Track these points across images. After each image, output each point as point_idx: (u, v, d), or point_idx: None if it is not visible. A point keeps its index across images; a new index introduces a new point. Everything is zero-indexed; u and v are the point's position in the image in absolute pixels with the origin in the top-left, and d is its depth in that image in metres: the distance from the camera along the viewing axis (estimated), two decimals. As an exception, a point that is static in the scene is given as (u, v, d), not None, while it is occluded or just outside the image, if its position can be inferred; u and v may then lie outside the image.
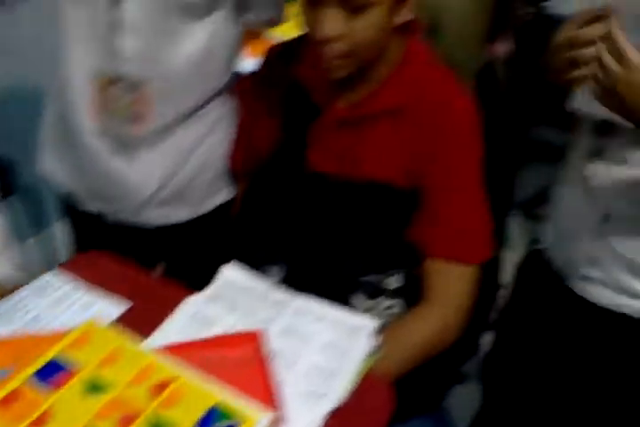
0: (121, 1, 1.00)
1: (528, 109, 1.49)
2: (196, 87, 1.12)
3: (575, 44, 0.85)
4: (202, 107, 1.15)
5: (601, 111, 0.91)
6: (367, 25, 0.86)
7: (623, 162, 0.95)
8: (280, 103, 1.03)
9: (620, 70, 0.80)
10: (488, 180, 1.45)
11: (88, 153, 1.13)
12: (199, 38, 1.07)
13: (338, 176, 0.98)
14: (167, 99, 1.09)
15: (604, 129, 0.95)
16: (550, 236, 1.15)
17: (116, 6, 1.00)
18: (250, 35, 1.67)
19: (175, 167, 1.16)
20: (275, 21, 1.24)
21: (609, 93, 0.83)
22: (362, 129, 0.97)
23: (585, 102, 0.93)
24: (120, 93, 1.06)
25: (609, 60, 0.81)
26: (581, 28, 0.85)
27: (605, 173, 0.97)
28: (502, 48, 2.75)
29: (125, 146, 1.12)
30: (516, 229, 1.88)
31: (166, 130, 1.12)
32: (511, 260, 1.29)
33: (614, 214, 0.97)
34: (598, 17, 0.84)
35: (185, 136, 1.15)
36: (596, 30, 0.84)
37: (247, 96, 1.12)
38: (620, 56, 0.80)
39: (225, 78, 1.17)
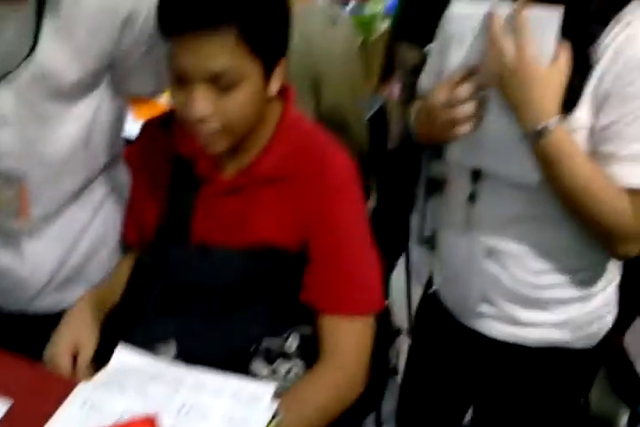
0: None
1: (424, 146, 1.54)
2: (81, 168, 1.10)
3: (452, 104, 0.90)
4: (87, 186, 1.13)
5: (473, 161, 0.98)
6: (239, 102, 0.86)
7: (496, 204, 1.01)
8: (165, 176, 1.03)
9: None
10: (381, 222, 1.49)
11: None
12: (80, 119, 1.06)
13: (226, 245, 0.99)
14: (50, 187, 1.07)
15: (476, 176, 1.01)
16: (439, 276, 1.19)
17: None
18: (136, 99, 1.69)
19: (65, 255, 1.14)
20: (157, 91, 1.23)
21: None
22: (248, 195, 0.98)
23: (460, 155, 0.99)
24: None
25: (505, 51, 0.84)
26: (454, 88, 0.90)
27: (482, 213, 1.03)
28: (395, 89, 2.91)
29: (11, 240, 1.08)
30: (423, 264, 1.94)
31: (51, 219, 1.09)
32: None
33: (495, 251, 1.03)
34: (468, 75, 0.90)
35: (72, 221, 1.13)
36: (468, 88, 0.90)
37: (133, 169, 1.11)
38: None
39: (110, 153, 1.16)
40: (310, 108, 1.52)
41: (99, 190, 1.17)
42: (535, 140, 0.86)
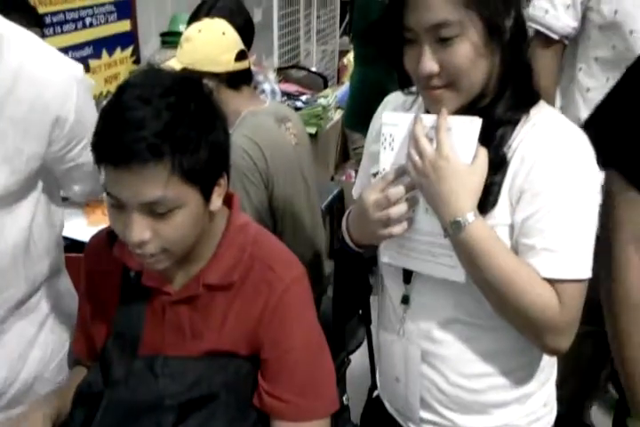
0: None
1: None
2: (22, 276, 1.08)
3: (384, 204, 0.92)
4: (31, 297, 1.10)
5: (403, 262, 1.00)
6: (177, 225, 0.86)
7: (428, 306, 1.01)
8: (114, 289, 1.02)
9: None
10: (341, 309, 1.49)
11: None
12: (18, 224, 1.04)
13: (177, 354, 0.97)
14: None
15: (408, 277, 1.02)
16: (381, 380, 1.17)
17: None
18: (91, 204, 1.71)
19: (13, 372, 1.10)
20: (96, 192, 1.23)
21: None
22: (197, 304, 0.98)
23: (391, 255, 1.01)
24: None
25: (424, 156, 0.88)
26: (385, 189, 0.93)
27: (415, 316, 1.03)
28: (351, 173, 3.01)
29: None
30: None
31: None
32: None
33: (430, 354, 1.02)
34: (398, 176, 0.93)
35: (18, 336, 1.10)
36: (398, 189, 0.92)
37: (83, 283, 1.09)
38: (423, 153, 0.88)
39: (51, 261, 1.14)
40: (264, 207, 1.55)
41: (44, 303, 1.15)
42: (454, 234, 0.88)
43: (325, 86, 3.26)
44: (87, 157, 1.09)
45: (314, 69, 3.53)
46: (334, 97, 3.05)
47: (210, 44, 1.49)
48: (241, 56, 1.53)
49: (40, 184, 1.08)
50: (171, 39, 2.99)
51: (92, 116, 1.08)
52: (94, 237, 1.09)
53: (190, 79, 0.91)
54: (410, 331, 1.04)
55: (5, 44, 0.95)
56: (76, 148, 1.08)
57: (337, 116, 3.03)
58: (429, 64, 0.86)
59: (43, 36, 1.86)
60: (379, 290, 1.15)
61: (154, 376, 0.96)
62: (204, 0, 2.16)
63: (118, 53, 2.86)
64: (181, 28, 3.01)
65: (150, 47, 3.04)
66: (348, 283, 1.59)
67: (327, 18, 4.66)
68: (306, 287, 1.02)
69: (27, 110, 0.96)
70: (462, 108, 0.90)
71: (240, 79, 1.54)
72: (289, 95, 2.90)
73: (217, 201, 0.93)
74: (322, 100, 2.91)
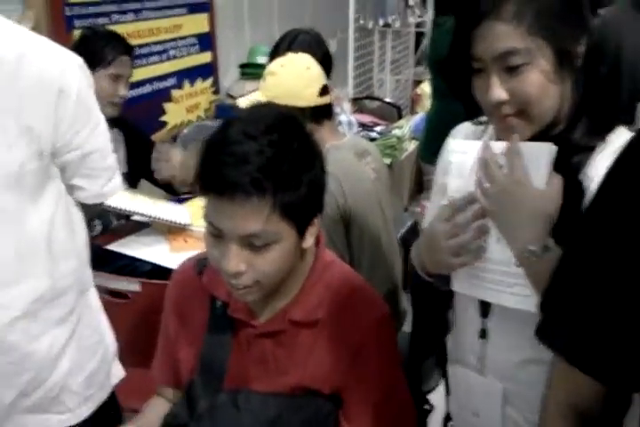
0: None
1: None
2: (41, 270, 1.10)
3: (454, 233, 0.90)
4: (54, 299, 1.12)
5: (478, 292, 0.96)
6: (272, 259, 0.87)
7: (506, 343, 0.96)
8: (202, 318, 1.03)
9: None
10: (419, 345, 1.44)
11: None
12: (41, 217, 1.08)
13: (261, 387, 0.97)
14: (11, 289, 1.07)
15: (485, 310, 0.98)
16: (457, 413, 1.12)
17: None
18: (174, 230, 1.74)
19: (38, 378, 1.13)
20: (103, 195, 1.23)
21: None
22: (281, 339, 0.98)
23: (464, 285, 0.97)
24: None
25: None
26: (452, 218, 0.90)
27: (495, 352, 0.98)
28: (426, 206, 2.95)
29: None
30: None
31: (10, 328, 1.08)
32: None
33: (512, 393, 0.97)
34: (468, 204, 0.91)
35: (48, 345, 1.13)
36: (468, 217, 0.89)
37: (170, 310, 1.11)
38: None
39: (74, 268, 1.17)
40: (341, 241, 1.54)
41: (74, 315, 1.18)
42: (528, 263, 0.84)
43: (400, 116, 3.25)
44: (92, 145, 1.15)
45: (387, 99, 3.53)
46: (409, 128, 3.03)
47: (294, 79, 1.50)
48: (324, 91, 1.53)
49: (58, 184, 1.13)
50: (249, 70, 3.08)
51: (93, 103, 1.15)
52: (182, 266, 1.11)
53: (292, 117, 0.93)
54: (490, 367, 1.00)
55: (8, 30, 1.04)
56: (81, 132, 1.12)
57: (411, 146, 3.00)
58: (498, 92, 0.85)
59: (132, 64, 1.95)
60: (454, 322, 1.11)
61: (237, 411, 0.97)
62: (285, 34, 2.19)
63: (199, 84, 2.95)
64: (260, 59, 3.09)
65: (229, 78, 3.13)
66: (426, 319, 1.55)
67: (401, 48, 4.68)
68: (391, 328, 1.01)
69: (33, 85, 1.02)
70: (535, 136, 0.88)
71: (322, 113, 1.54)
72: (364, 126, 2.90)
73: (310, 239, 0.94)
74: (396, 131, 2.89)
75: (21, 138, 1.03)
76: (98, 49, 1.79)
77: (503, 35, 0.83)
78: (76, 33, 2.19)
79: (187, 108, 2.87)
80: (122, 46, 1.86)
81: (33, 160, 1.06)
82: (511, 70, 0.84)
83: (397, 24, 4.24)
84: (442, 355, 1.48)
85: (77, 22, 2.24)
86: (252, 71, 3.05)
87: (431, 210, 1.13)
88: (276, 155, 0.84)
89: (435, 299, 1.25)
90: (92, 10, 2.29)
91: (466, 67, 0.89)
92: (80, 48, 1.48)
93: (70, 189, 1.18)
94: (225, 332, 1.00)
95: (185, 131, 2.68)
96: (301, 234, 0.91)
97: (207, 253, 0.92)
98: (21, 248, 1.08)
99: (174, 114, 2.78)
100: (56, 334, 1.15)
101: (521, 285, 0.89)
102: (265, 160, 0.83)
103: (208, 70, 3.02)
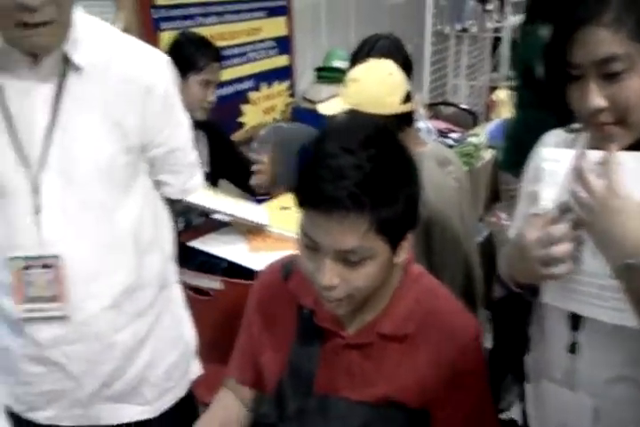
0: (40, 187, 1.04)
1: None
2: (128, 262, 1.13)
3: (546, 243, 0.86)
4: (136, 291, 1.15)
5: (570, 305, 0.92)
6: (366, 275, 0.87)
7: (598, 359, 0.91)
8: (289, 324, 1.03)
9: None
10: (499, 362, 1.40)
11: (21, 343, 1.11)
12: (130, 211, 1.11)
13: (347, 398, 0.96)
14: (94, 278, 1.09)
15: (576, 323, 0.94)
16: None
17: (36, 193, 1.04)
18: (253, 230, 1.76)
19: (120, 368, 1.15)
20: (189, 190, 1.26)
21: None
22: (371, 351, 0.97)
23: (555, 296, 0.93)
24: (37, 274, 1.06)
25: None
26: (544, 227, 0.87)
27: (586, 367, 0.93)
28: (501, 216, 2.89)
29: (63, 338, 1.10)
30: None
31: (98, 318, 1.11)
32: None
33: (605, 412, 0.92)
34: (561, 214, 0.87)
35: (130, 337, 1.15)
36: (562, 227, 0.85)
37: (254, 310, 1.11)
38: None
39: (159, 261, 1.19)
40: (420, 248, 1.51)
41: (155, 309, 1.20)
42: (627, 277, 0.80)
43: (475, 123, 3.18)
44: (177, 142, 1.18)
45: (463, 106, 3.47)
46: (485, 136, 2.96)
47: (376, 86, 1.47)
48: (407, 97, 1.51)
49: (146, 179, 1.16)
50: (325, 74, 3.09)
51: (178, 101, 1.18)
52: (268, 270, 1.11)
53: (388, 130, 0.91)
54: (580, 383, 0.95)
55: (100, 31, 1.09)
56: (167, 128, 1.14)
57: (488, 155, 2.92)
58: (596, 100, 0.82)
59: (221, 69, 1.98)
60: (539, 337, 1.06)
61: (325, 416, 0.96)
62: (366, 39, 2.18)
63: (276, 86, 2.98)
64: (336, 63, 3.10)
65: (305, 81, 3.15)
66: (507, 335, 1.50)
67: (477, 53, 4.59)
68: (481, 344, 0.98)
69: (122, 82, 1.06)
70: (633, 145, 0.84)
71: (405, 121, 1.52)
72: (439, 133, 2.85)
73: (403, 254, 0.93)
74: (473, 139, 2.83)
75: (111, 133, 1.07)
76: (190, 55, 1.83)
77: (603, 40, 0.80)
78: (162, 35, 2.26)
79: (263, 110, 2.91)
80: (213, 53, 1.90)
81: (122, 155, 1.09)
82: (610, 77, 0.81)
83: (474, 29, 4.17)
84: (520, 372, 1.43)
85: (163, 24, 2.30)
86: (327, 75, 3.06)
87: (517, 218, 1.11)
88: (375, 170, 0.82)
89: (517, 314, 1.21)
90: (177, 12, 2.36)
91: (560, 74, 0.86)
92: (173, 53, 1.51)
93: (157, 184, 1.21)
94: (313, 340, 1.00)
95: (262, 132, 2.71)
96: (394, 249, 0.90)
97: (300, 263, 0.92)
98: (111, 241, 1.11)
99: (251, 115, 2.82)
100: (137, 326, 1.17)
101: (617, 299, 0.84)
102: (363, 175, 0.82)
103: (285, 73, 3.05)
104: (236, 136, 2.61)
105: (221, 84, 2.56)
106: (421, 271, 1.03)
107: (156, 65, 1.12)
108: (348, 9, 3.50)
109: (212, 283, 1.51)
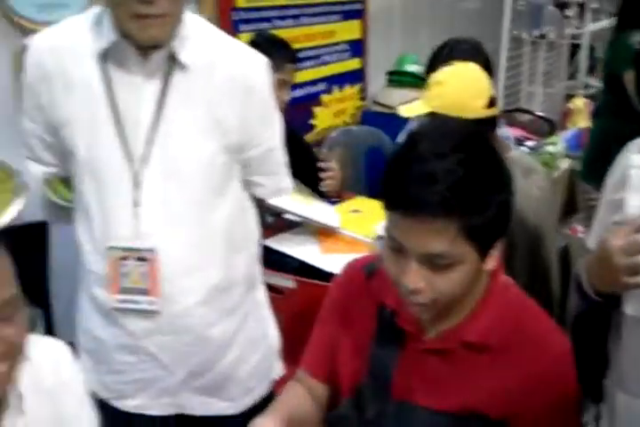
0: (141, 182, 1.07)
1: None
2: (220, 261, 1.15)
3: (632, 251, 0.83)
4: (225, 290, 1.16)
5: None
6: (452, 280, 0.85)
7: None
8: (368, 323, 1.02)
9: None
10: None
11: (115, 333, 1.14)
12: (225, 210, 1.13)
13: (425, 404, 0.94)
14: (189, 274, 1.11)
15: None
16: None
17: (138, 187, 1.07)
18: (324, 231, 1.76)
19: (208, 363, 1.17)
20: (281, 191, 1.28)
21: None
22: (451, 358, 0.95)
23: (637, 308, 0.90)
24: (132, 266, 1.08)
25: None
26: (630, 234, 0.84)
27: None
28: (578, 228, 2.78)
29: (156, 330, 1.12)
30: None
31: (191, 312, 1.13)
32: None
33: None
34: None
35: (220, 334, 1.17)
36: None
37: (334, 306, 1.10)
38: None
39: (247, 260, 1.21)
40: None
41: (243, 308, 1.22)
42: None
43: (552, 132, 3.07)
44: (274, 142, 1.19)
45: (539, 113, 3.36)
46: (562, 144, 2.86)
47: (462, 90, 1.44)
48: (492, 102, 1.46)
49: (239, 180, 1.17)
50: (397, 78, 3.06)
51: (274, 102, 1.19)
52: (349, 268, 1.10)
53: (479, 134, 0.90)
54: None
55: (205, 35, 1.12)
56: (265, 129, 1.16)
57: (564, 164, 2.82)
58: None
59: (296, 70, 1.99)
60: (617, 349, 1.01)
61: (403, 423, 0.95)
62: (445, 42, 2.15)
63: (347, 89, 2.98)
64: (408, 67, 3.07)
65: (376, 84, 3.13)
66: (587, 354, 1.43)
67: (554, 60, 4.45)
68: (572, 361, 0.94)
69: (224, 82, 1.08)
70: None
71: (489, 126, 1.47)
72: (514, 140, 2.77)
73: (491, 261, 0.90)
74: (550, 148, 2.74)
75: (213, 131, 1.09)
76: (267, 55, 1.84)
77: None
78: (241, 37, 2.29)
79: (334, 113, 2.91)
80: (289, 53, 1.92)
81: (221, 154, 1.11)
82: None
83: (552, 35, 4.04)
84: (598, 395, 1.37)
85: (243, 26, 2.34)
86: (399, 79, 3.04)
87: (597, 227, 1.07)
88: (466, 175, 0.81)
89: (596, 331, 1.16)
90: (255, 15, 2.39)
91: None
92: None
93: (248, 184, 1.22)
94: (392, 342, 0.98)
95: (332, 135, 2.72)
96: (483, 256, 0.87)
97: (385, 266, 0.90)
98: (205, 238, 1.13)
99: (323, 118, 2.82)
100: (226, 324, 1.19)
101: None
102: (455, 180, 0.80)
103: (357, 76, 3.04)
104: (307, 138, 2.61)
105: (295, 86, 2.57)
106: (509, 282, 1.00)
107: (257, 66, 1.15)
108: (421, 13, 3.46)
109: (285, 281, 1.52)
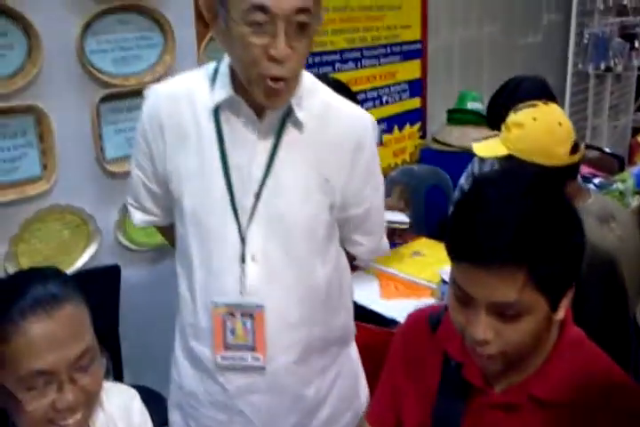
0: (247, 237, 1.06)
1: None
2: (319, 320, 1.14)
3: None
4: (322, 349, 1.15)
5: None
6: (522, 331, 0.83)
7: None
8: (432, 373, 0.99)
9: None
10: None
11: (210, 390, 1.13)
12: (324, 267, 1.12)
13: None
14: (288, 332, 1.10)
15: None
16: None
17: (244, 242, 1.07)
18: (385, 275, 1.74)
19: (303, 420, 1.15)
20: (378, 251, 1.26)
21: None
22: (518, 414, 0.90)
23: None
24: (238, 322, 1.08)
25: None
26: None
27: None
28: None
29: (253, 388, 1.11)
30: None
31: (291, 370, 1.11)
32: None
33: None
34: None
35: (314, 392, 1.15)
36: None
37: (398, 356, 1.08)
38: None
39: (343, 317, 1.19)
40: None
41: (336, 365, 1.19)
42: None
43: (621, 168, 2.97)
44: (376, 201, 1.18)
45: (607, 149, 3.26)
46: (632, 181, 2.75)
47: (544, 135, 1.39)
48: (574, 149, 1.41)
49: (337, 241, 1.17)
50: (457, 116, 3.04)
51: (378, 165, 1.18)
52: (413, 317, 1.09)
53: (550, 179, 0.88)
54: None
55: (317, 93, 1.11)
56: (368, 187, 1.15)
57: (635, 201, 2.71)
58: None
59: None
60: None
61: None
62: (509, 80, 2.13)
63: (407, 129, 2.99)
64: (469, 105, 3.05)
65: (436, 123, 3.13)
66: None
67: (621, 93, 4.34)
68: None
69: (334, 139, 1.09)
70: None
71: (570, 173, 1.42)
72: (581, 177, 2.69)
73: (562, 311, 0.87)
74: (619, 185, 2.64)
75: (320, 190, 1.09)
76: None
77: None
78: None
79: (394, 152, 2.91)
80: (351, 98, 1.93)
81: (325, 211, 1.11)
82: None
83: (619, 68, 3.95)
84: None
85: (305, 70, 2.39)
86: (459, 117, 3.02)
87: None
88: (536, 221, 0.79)
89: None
90: (317, 59, 2.44)
91: None
92: None
93: (347, 242, 1.21)
94: (458, 395, 0.95)
95: (392, 174, 2.72)
96: (553, 305, 0.84)
97: (451, 316, 0.88)
98: (307, 295, 1.12)
99: (383, 157, 2.78)
100: (320, 382, 1.17)
101: None
102: (524, 227, 0.78)
103: (416, 115, 3.05)
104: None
105: (355, 127, 2.60)
106: (581, 335, 0.95)
107: (365, 125, 1.15)
108: (481, 51, 3.46)
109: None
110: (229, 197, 1.07)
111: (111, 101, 1.64)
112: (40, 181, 1.54)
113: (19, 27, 1.45)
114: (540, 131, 1.39)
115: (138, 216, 1.19)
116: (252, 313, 1.07)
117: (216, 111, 1.06)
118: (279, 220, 1.07)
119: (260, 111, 1.05)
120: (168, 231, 1.21)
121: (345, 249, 1.22)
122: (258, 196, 1.06)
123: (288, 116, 1.06)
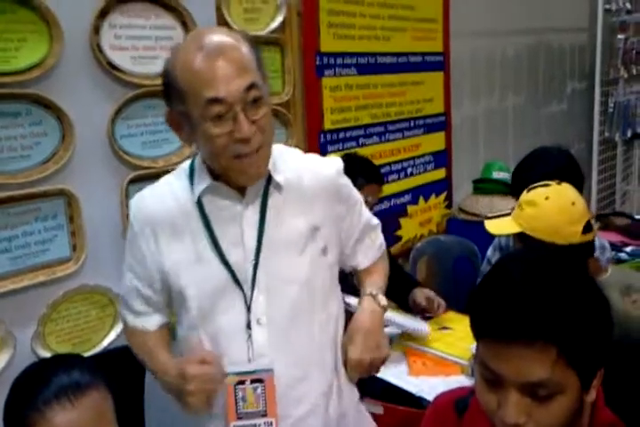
0: (252, 306, 1.09)
1: None
2: (330, 367, 1.17)
3: None
4: (340, 396, 1.17)
5: None
6: (554, 412, 0.80)
7: None
8: None
9: None
10: None
11: None
12: (328, 316, 1.16)
13: None
14: (297, 387, 1.11)
15: None
16: None
17: (249, 310, 1.09)
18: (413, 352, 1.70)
19: None
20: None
21: None
22: None
23: None
24: (248, 389, 1.07)
25: None
26: None
27: None
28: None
29: None
30: None
31: (302, 422, 1.11)
32: None
33: None
34: None
35: None
36: None
37: None
38: None
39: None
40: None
41: (349, 418, 1.20)
42: None
43: (654, 236, 2.91)
44: (364, 219, 1.28)
45: (636, 216, 3.21)
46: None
47: (557, 214, 1.38)
48: (587, 227, 1.39)
49: (338, 283, 1.23)
50: (483, 186, 3.05)
51: (355, 192, 1.28)
52: (440, 402, 1.05)
53: (573, 258, 0.86)
54: None
55: (286, 155, 1.19)
56: (354, 211, 1.25)
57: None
58: None
59: (381, 188, 2.06)
60: None
61: None
62: (532, 151, 2.13)
63: (433, 199, 3.00)
64: (495, 174, 3.06)
65: (462, 193, 3.14)
66: None
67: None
68: None
69: (314, 189, 1.16)
70: None
71: (585, 251, 1.40)
72: (611, 246, 2.63)
73: (594, 392, 0.83)
74: (653, 253, 2.58)
75: (311, 238, 1.14)
76: (351, 174, 1.92)
77: None
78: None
79: (420, 223, 2.92)
80: (374, 175, 2.00)
81: (320, 258, 1.16)
82: None
83: (646, 134, 3.96)
84: None
85: (330, 147, 2.45)
86: (485, 186, 3.03)
87: None
88: (563, 298, 0.78)
89: None
90: (342, 135, 2.51)
91: None
92: None
93: (351, 256, 1.29)
94: None
95: (419, 245, 2.71)
96: (585, 384, 0.81)
97: (478, 398, 0.85)
98: (315, 348, 1.15)
99: (408, 228, 2.83)
100: None
101: None
102: (552, 305, 0.77)
103: (442, 186, 3.07)
104: (393, 250, 2.62)
105: (382, 200, 2.63)
106: (615, 419, 0.91)
107: (335, 166, 1.23)
108: (505, 120, 3.51)
109: (374, 408, 1.47)
110: (228, 270, 1.10)
111: (140, 183, 1.70)
112: (69, 262, 1.58)
113: (53, 115, 1.53)
114: (552, 210, 1.38)
115: (134, 322, 1.21)
116: (261, 378, 1.08)
117: (199, 201, 1.11)
118: (280, 279, 1.11)
119: (241, 188, 1.10)
120: (151, 338, 1.20)
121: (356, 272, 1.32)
122: (256, 265, 1.10)
123: (269, 183, 1.12)
